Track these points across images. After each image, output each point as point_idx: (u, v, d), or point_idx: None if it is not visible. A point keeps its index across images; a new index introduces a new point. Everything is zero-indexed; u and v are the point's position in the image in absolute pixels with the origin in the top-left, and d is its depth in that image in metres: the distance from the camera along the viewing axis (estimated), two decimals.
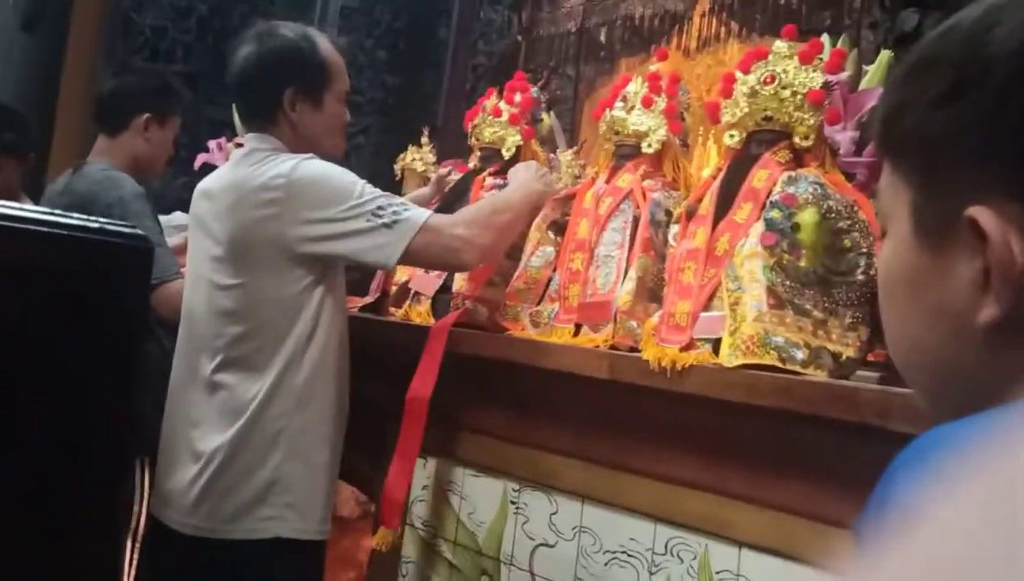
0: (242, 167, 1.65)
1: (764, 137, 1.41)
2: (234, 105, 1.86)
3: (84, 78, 3.85)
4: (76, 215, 0.81)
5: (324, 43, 1.73)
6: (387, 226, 1.55)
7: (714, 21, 2.13)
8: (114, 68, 3.59)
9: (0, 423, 0.76)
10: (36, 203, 2.37)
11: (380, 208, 1.56)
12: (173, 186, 3.30)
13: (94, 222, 0.80)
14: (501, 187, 1.81)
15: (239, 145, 2.49)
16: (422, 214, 1.58)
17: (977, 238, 0.49)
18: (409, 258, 1.59)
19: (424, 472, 1.80)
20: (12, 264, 0.74)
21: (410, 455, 1.66)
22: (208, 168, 2.59)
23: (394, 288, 1.99)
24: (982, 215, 0.48)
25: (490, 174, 1.91)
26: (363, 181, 1.61)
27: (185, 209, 2.82)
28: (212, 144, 2.67)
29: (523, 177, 1.75)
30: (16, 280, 0.75)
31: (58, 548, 0.82)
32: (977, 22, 0.51)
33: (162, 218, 2.47)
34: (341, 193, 1.56)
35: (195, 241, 1.73)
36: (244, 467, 1.58)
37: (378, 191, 1.61)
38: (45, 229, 0.76)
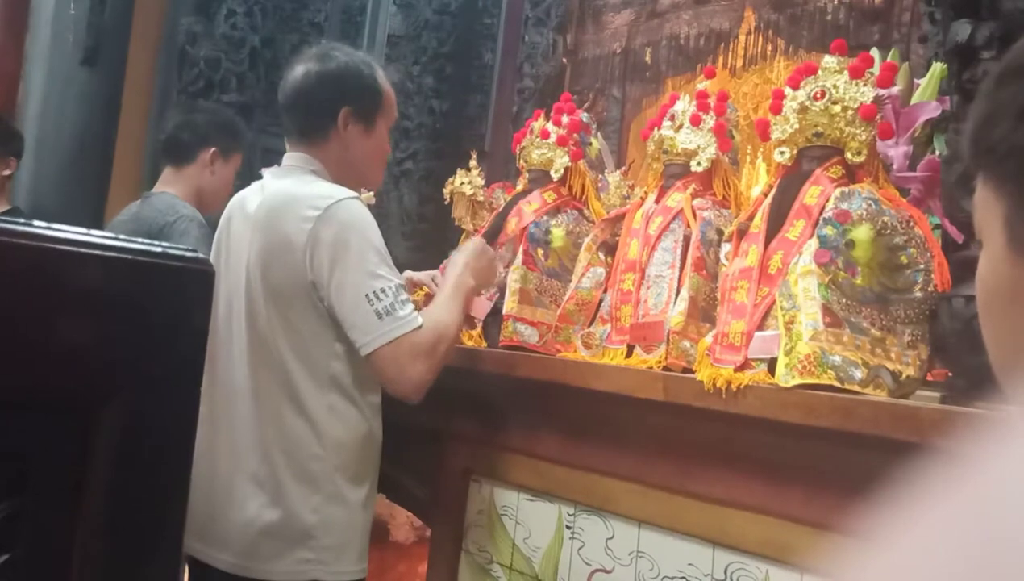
0: (283, 183, 1.66)
1: (815, 153, 1.40)
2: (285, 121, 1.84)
3: (142, 110, 3.96)
4: (138, 239, 0.82)
5: (381, 73, 1.77)
6: (377, 314, 1.52)
7: (760, 39, 2.12)
8: (172, 101, 3.70)
9: (65, 447, 0.77)
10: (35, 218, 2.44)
11: (383, 290, 1.54)
12: None
13: (156, 246, 0.81)
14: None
15: None
16: (405, 326, 1.53)
17: None
18: (374, 358, 1.55)
19: (479, 496, 1.80)
20: (73, 288, 0.76)
21: None
22: None
23: None
24: None
25: None
26: (384, 251, 1.59)
27: None
28: (265, 172, 2.73)
29: (454, 275, 1.69)
30: (77, 304, 0.76)
31: (124, 575, 0.83)
32: None
33: None
34: (358, 253, 1.55)
35: (228, 260, 1.71)
36: (283, 508, 1.58)
37: (390, 270, 1.58)
38: (107, 253, 0.78)
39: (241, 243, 1.68)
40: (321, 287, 1.57)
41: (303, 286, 1.58)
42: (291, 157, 1.73)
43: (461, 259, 1.72)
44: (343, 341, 1.60)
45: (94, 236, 0.76)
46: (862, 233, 1.27)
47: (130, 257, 0.76)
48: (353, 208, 1.59)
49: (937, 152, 1.48)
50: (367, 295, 1.53)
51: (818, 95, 1.38)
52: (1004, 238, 0.53)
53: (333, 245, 1.55)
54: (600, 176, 1.99)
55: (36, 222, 0.72)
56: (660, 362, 1.45)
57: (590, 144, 1.94)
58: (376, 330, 1.52)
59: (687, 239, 1.56)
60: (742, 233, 1.44)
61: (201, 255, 0.85)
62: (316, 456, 1.59)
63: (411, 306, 1.57)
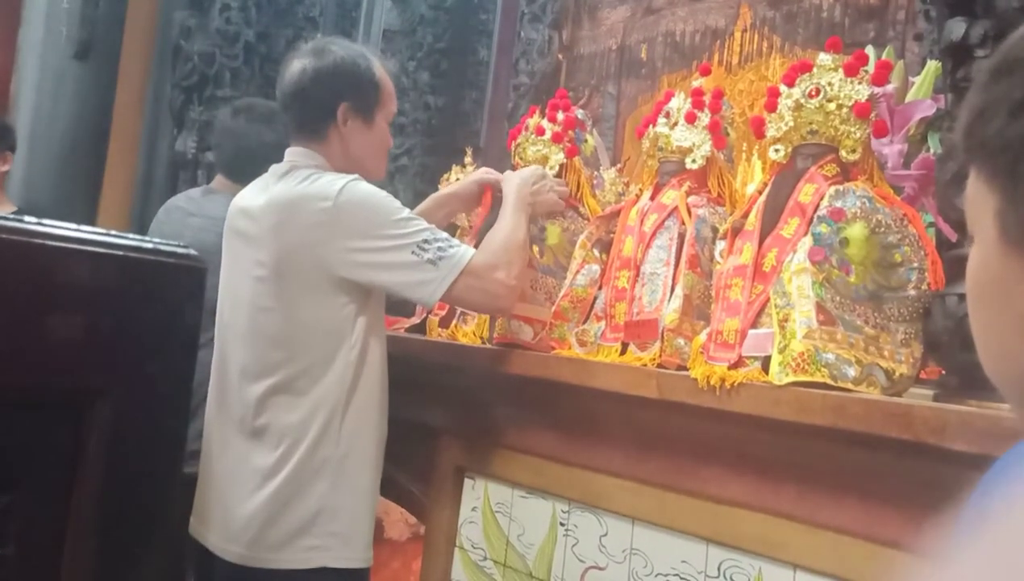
0: (287, 183, 1.64)
1: (810, 151, 1.40)
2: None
3: (135, 104, 3.95)
4: (130, 235, 0.82)
5: (378, 64, 1.76)
6: (431, 262, 1.55)
7: (755, 36, 2.12)
8: (165, 95, 3.67)
9: (57, 443, 0.77)
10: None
11: (425, 241, 1.56)
12: None
13: (147, 242, 0.81)
14: None
15: None
16: (465, 254, 1.58)
17: None
18: (449, 298, 1.60)
19: (473, 493, 1.80)
20: (64, 284, 0.75)
21: None
22: None
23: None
24: None
25: None
26: (408, 210, 1.61)
27: None
28: (270, 169, 2.71)
29: (515, 192, 1.75)
30: (69, 300, 0.76)
31: (115, 571, 0.83)
32: None
33: None
34: (386, 221, 1.56)
35: (233, 259, 1.72)
36: (289, 495, 1.58)
37: (423, 222, 1.60)
38: (98, 249, 0.77)
39: (248, 243, 1.67)
40: (364, 275, 1.58)
41: (326, 281, 1.58)
42: (293, 153, 1.72)
43: (517, 180, 1.78)
44: (357, 332, 1.61)
45: (85, 232, 0.76)
46: (856, 231, 1.27)
47: (121, 253, 0.76)
48: (360, 189, 1.60)
49: (932, 150, 1.48)
50: (413, 253, 1.55)
51: (813, 93, 1.38)
52: (996, 231, 0.53)
53: (359, 230, 1.56)
54: (595, 173, 1.98)
55: (27, 218, 0.72)
56: (654, 359, 1.45)
57: (585, 141, 1.94)
58: (438, 275, 1.55)
59: (682, 236, 1.56)
60: (736, 231, 1.44)
61: (192, 251, 0.84)
62: (322, 444, 1.59)
63: (456, 241, 1.62)
